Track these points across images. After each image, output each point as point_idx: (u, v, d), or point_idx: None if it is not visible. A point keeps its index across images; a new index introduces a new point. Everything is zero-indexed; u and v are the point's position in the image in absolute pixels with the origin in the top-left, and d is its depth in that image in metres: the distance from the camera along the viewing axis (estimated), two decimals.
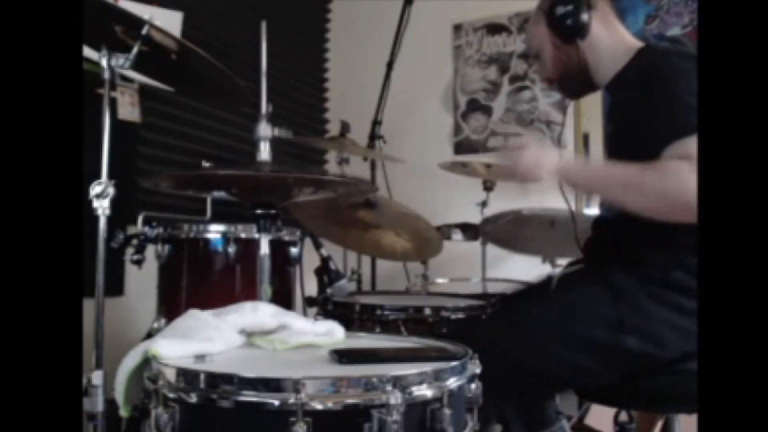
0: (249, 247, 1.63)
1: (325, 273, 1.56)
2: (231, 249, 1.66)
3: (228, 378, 0.85)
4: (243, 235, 1.66)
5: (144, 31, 1.31)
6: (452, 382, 0.92)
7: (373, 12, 3.31)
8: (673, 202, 1.15)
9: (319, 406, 0.82)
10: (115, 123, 1.38)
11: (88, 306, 1.00)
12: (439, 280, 2.53)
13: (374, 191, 2.07)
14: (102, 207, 1.29)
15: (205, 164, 2.03)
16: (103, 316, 1.29)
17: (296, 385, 0.81)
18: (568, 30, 1.45)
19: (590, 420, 2.22)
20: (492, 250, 2.54)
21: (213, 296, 1.65)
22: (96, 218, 1.29)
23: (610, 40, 1.46)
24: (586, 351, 1.30)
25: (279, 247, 1.67)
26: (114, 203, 1.29)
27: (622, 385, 1.33)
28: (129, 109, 2.36)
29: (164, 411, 0.86)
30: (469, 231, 2.50)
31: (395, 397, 0.81)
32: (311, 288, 1.64)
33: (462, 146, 3.24)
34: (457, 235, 2.50)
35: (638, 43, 1.45)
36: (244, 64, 2.04)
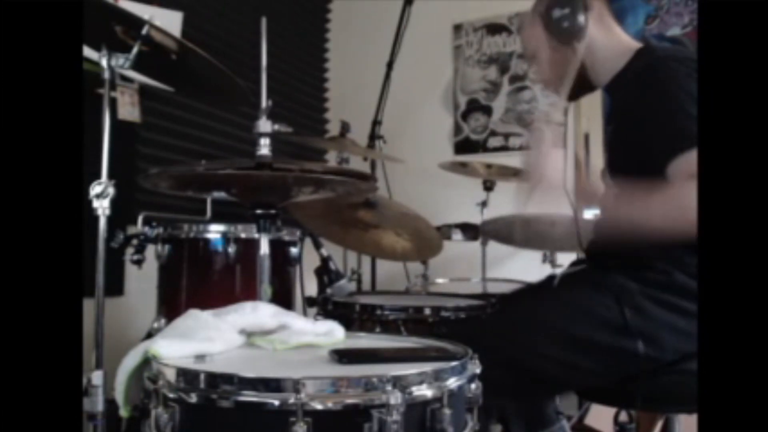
0: (249, 247, 1.63)
1: (325, 273, 1.56)
2: (231, 249, 1.66)
3: (228, 378, 0.85)
4: (243, 235, 1.66)
5: (144, 31, 1.31)
6: (452, 382, 0.92)
7: (373, 12, 3.31)
8: (691, 222, 1.12)
9: (319, 406, 0.82)
10: (115, 123, 1.38)
11: (88, 306, 1.00)
12: (439, 280, 2.53)
13: (374, 189, 2.07)
14: (102, 207, 1.29)
15: (202, 163, 2.03)
16: (103, 316, 1.29)
17: (296, 385, 0.81)
18: (565, 32, 1.44)
19: (590, 420, 2.22)
20: (492, 250, 2.54)
21: (213, 296, 1.65)
22: (96, 218, 1.29)
23: (607, 41, 1.46)
24: (587, 352, 1.30)
25: (279, 247, 1.67)
26: (114, 203, 1.29)
27: (622, 385, 1.33)
28: (129, 109, 2.36)
29: (164, 411, 0.86)
30: (469, 231, 2.50)
31: (395, 397, 0.81)
32: (311, 288, 1.64)
33: (462, 146, 3.24)
34: (457, 235, 2.49)
35: (636, 44, 1.45)
36: (244, 64, 2.03)
